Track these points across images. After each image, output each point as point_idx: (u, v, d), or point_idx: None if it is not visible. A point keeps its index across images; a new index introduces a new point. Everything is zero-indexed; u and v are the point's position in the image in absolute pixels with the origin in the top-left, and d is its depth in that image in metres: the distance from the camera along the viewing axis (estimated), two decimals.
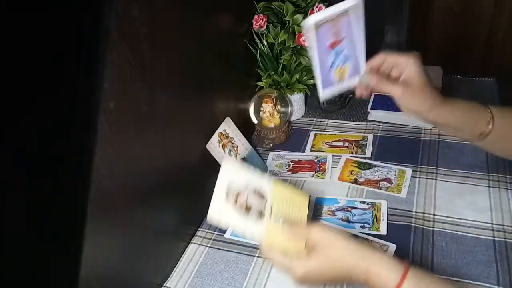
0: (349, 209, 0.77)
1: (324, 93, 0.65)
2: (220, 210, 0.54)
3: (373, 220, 0.74)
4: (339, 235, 0.54)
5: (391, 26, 1.10)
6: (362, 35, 0.69)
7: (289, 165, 0.90)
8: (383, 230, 0.72)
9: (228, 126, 0.83)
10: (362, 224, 0.74)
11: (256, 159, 0.87)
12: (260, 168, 0.88)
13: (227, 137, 0.82)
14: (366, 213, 0.76)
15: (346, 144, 0.94)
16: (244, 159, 0.84)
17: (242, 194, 0.57)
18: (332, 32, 0.65)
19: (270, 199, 0.58)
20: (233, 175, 0.58)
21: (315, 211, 0.78)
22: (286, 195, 0.60)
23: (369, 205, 0.77)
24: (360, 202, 0.78)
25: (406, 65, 0.66)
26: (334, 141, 0.96)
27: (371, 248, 0.54)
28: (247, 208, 0.56)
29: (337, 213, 0.77)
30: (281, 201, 0.59)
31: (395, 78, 0.67)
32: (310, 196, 0.65)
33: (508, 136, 0.65)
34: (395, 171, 0.84)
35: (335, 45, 0.67)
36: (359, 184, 0.83)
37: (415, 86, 0.65)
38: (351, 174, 0.85)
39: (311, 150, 0.94)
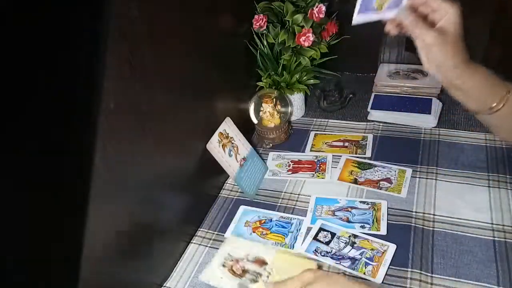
0: (349, 209, 0.77)
1: (358, 17, 0.61)
2: (210, 275, 0.66)
3: (373, 220, 0.74)
4: (332, 274, 0.58)
5: None
6: None
7: (289, 165, 0.90)
8: (383, 230, 0.72)
9: (228, 126, 0.83)
10: (362, 224, 0.74)
11: (256, 159, 0.87)
12: (259, 168, 0.88)
13: (227, 137, 0.82)
14: (366, 213, 0.76)
15: (346, 144, 0.94)
16: (244, 159, 0.84)
17: (240, 262, 0.66)
18: None
19: (271, 264, 0.64)
20: (235, 246, 0.66)
21: (315, 211, 0.78)
22: (289, 260, 0.65)
23: (369, 205, 0.77)
24: (360, 202, 0.78)
25: (446, 12, 0.61)
26: (334, 141, 0.96)
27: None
28: (244, 271, 0.64)
29: (337, 213, 0.77)
30: (283, 265, 0.63)
31: (431, 23, 0.62)
32: (317, 263, 0.66)
33: None
34: (395, 171, 0.84)
35: None
36: (359, 184, 0.83)
37: (450, 37, 0.60)
38: (351, 174, 0.85)
39: (311, 150, 0.94)
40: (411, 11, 0.61)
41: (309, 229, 0.74)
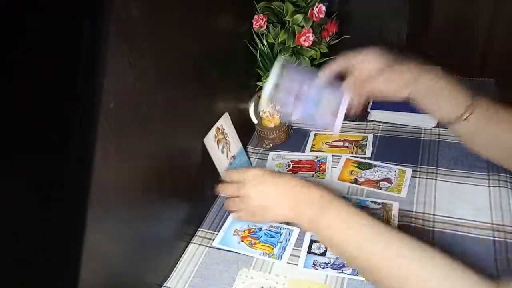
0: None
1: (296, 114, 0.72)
2: None
3: (382, 221, 0.73)
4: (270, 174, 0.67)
5: (391, 26, 1.10)
6: (309, 76, 0.72)
7: (289, 165, 0.90)
8: None
9: (225, 122, 0.83)
10: None
11: (244, 158, 0.88)
12: (245, 166, 0.88)
13: (222, 132, 0.82)
14: (376, 213, 0.75)
15: (346, 144, 0.94)
16: (233, 157, 0.84)
17: None
18: (289, 92, 0.70)
19: None
20: (247, 284, 0.66)
21: None
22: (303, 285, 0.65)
23: (380, 206, 0.77)
24: (372, 202, 0.78)
25: (363, 61, 0.69)
26: (334, 141, 0.96)
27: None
28: None
29: None
30: None
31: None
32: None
33: (485, 132, 0.64)
34: (395, 171, 0.84)
35: (299, 95, 0.72)
36: (359, 184, 0.83)
37: (376, 71, 0.67)
38: (351, 174, 0.85)
39: (311, 150, 0.94)
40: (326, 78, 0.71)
41: (299, 239, 0.73)
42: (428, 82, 0.66)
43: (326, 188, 0.63)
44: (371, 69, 0.69)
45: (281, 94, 0.70)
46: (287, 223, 0.76)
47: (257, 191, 0.66)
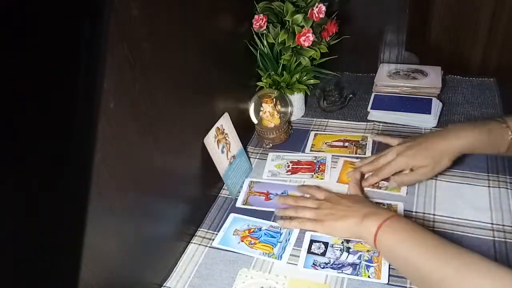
0: None
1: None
2: None
3: None
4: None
5: (391, 26, 1.10)
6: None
7: (289, 166, 0.90)
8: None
9: (225, 122, 0.83)
10: None
11: (244, 158, 0.88)
12: (245, 168, 0.88)
13: (222, 132, 0.82)
14: None
15: (346, 144, 0.94)
16: (233, 157, 0.84)
17: None
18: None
19: None
20: (246, 284, 0.66)
21: None
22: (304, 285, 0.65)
23: (386, 207, 0.77)
24: (376, 203, 0.77)
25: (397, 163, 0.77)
26: (334, 141, 0.96)
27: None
28: None
29: None
30: None
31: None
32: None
33: None
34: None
35: (268, 195, 0.82)
36: None
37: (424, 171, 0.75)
38: None
39: (311, 150, 0.94)
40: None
41: (299, 239, 0.73)
42: (467, 147, 0.72)
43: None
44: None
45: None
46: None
47: (340, 195, 0.73)
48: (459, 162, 0.84)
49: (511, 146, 0.68)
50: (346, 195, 0.74)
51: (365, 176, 0.81)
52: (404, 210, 0.75)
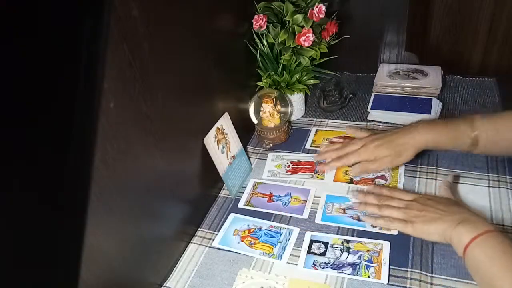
0: None
1: None
2: None
3: None
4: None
5: (391, 26, 1.10)
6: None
7: (289, 166, 0.90)
8: (395, 230, 0.71)
9: (225, 122, 0.83)
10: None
11: (244, 158, 0.88)
12: (245, 168, 0.88)
13: (222, 132, 0.82)
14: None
15: (347, 141, 0.94)
16: (233, 157, 0.84)
17: None
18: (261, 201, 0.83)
19: None
20: (247, 284, 0.66)
21: (325, 209, 0.78)
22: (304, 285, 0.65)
23: None
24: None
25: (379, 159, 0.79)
26: (334, 137, 0.96)
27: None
28: None
29: (348, 211, 0.77)
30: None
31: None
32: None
33: (499, 142, 0.71)
34: (388, 168, 0.84)
35: (271, 197, 0.83)
36: (355, 183, 0.83)
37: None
38: (346, 174, 0.85)
39: (311, 146, 0.94)
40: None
41: (299, 239, 0.73)
42: (430, 141, 0.75)
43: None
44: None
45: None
46: (287, 224, 0.76)
47: (430, 197, 0.72)
48: (459, 162, 0.84)
49: (475, 143, 0.70)
50: (437, 198, 0.71)
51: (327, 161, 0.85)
52: None
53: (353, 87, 1.12)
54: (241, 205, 0.82)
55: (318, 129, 0.99)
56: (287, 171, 0.89)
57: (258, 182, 0.87)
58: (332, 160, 0.84)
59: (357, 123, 1.00)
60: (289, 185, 0.85)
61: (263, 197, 0.83)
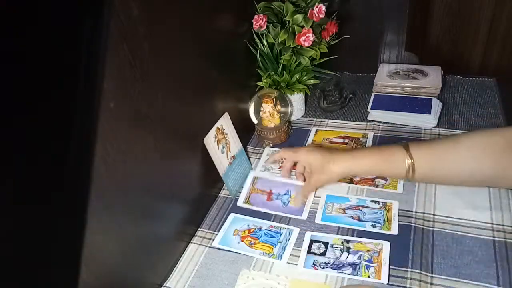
0: (360, 207, 0.77)
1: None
2: None
3: (384, 219, 0.74)
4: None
5: (391, 26, 1.10)
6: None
7: (282, 161, 0.90)
8: (394, 230, 0.72)
9: (225, 122, 0.83)
10: (373, 223, 0.73)
11: (244, 158, 0.88)
12: (245, 168, 0.88)
13: (222, 132, 0.82)
14: (377, 212, 0.76)
15: (347, 141, 0.94)
16: (233, 157, 0.84)
17: None
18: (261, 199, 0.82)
19: None
20: (248, 285, 0.66)
21: (325, 209, 0.78)
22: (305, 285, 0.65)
23: (380, 205, 0.77)
24: (371, 201, 0.78)
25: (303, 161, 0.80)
26: (334, 137, 0.96)
27: None
28: None
29: (348, 211, 0.77)
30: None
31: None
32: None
33: (437, 170, 0.69)
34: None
35: (271, 195, 0.83)
36: (355, 183, 0.83)
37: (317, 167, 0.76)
38: None
39: None
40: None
41: (299, 239, 0.73)
42: (362, 167, 0.73)
43: None
44: (313, 165, 0.77)
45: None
46: (287, 224, 0.76)
47: None
48: None
49: (410, 171, 0.68)
50: None
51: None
52: (404, 210, 0.75)
53: (353, 87, 1.12)
54: (240, 203, 0.82)
55: (318, 129, 0.99)
56: (279, 167, 0.89)
57: (257, 177, 0.87)
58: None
59: (357, 123, 1.00)
60: (289, 181, 0.85)
61: (262, 194, 0.83)
